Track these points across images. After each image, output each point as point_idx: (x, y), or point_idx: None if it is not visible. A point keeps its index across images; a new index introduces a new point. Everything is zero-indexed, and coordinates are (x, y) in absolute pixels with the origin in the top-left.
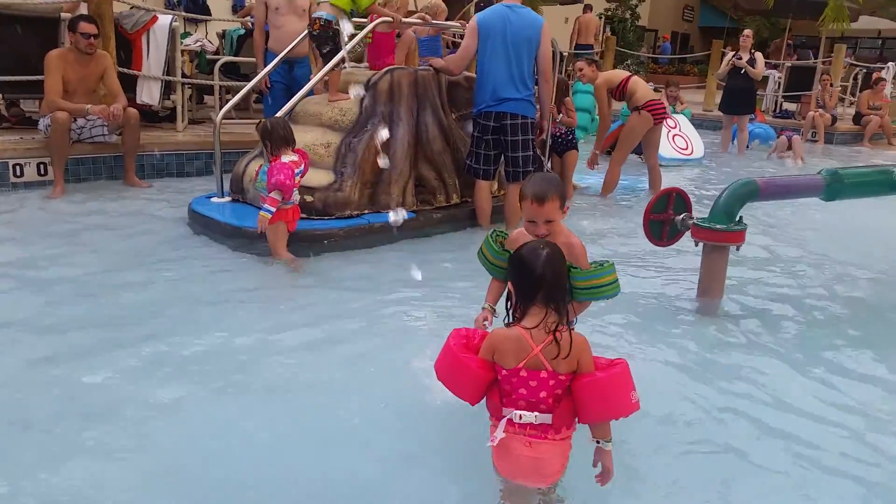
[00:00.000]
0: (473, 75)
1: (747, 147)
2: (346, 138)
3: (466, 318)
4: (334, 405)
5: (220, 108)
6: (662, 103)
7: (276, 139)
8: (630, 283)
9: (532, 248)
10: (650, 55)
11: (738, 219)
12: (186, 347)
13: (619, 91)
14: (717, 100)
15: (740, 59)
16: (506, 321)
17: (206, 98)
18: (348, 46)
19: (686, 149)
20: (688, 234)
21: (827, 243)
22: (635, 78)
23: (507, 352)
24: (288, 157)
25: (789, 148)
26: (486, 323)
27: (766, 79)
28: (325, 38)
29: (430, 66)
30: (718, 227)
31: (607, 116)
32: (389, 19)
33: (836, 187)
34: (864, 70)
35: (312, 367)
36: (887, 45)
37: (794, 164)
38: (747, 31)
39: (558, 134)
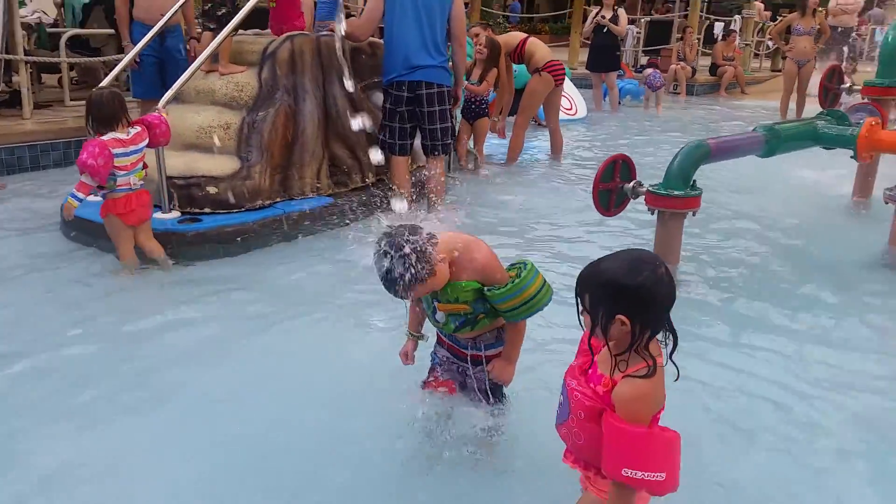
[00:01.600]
0: (378, 41)
1: (619, 103)
2: (248, 117)
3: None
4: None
5: (69, 88)
6: (562, 64)
7: (98, 118)
8: (577, 259)
9: (647, 270)
10: (502, 13)
11: (692, 183)
12: (91, 393)
13: (517, 54)
14: (581, 57)
15: (604, 17)
16: (617, 366)
17: (44, 77)
18: (248, 6)
19: (570, 109)
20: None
21: (747, 199)
22: (532, 39)
23: (664, 391)
24: (112, 135)
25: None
26: (409, 356)
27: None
28: None
29: (332, 31)
30: (676, 193)
31: (508, 81)
32: None
33: (773, 143)
34: (709, 22)
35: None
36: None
37: (652, 111)
38: None
39: (472, 100)
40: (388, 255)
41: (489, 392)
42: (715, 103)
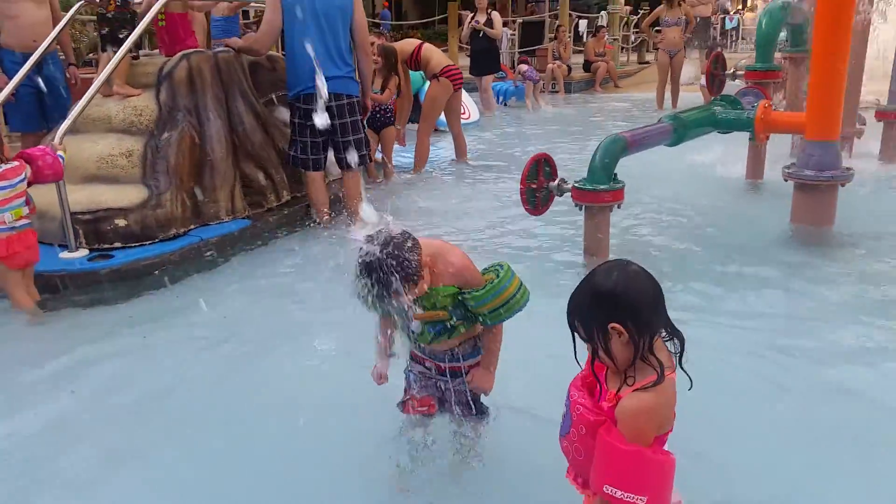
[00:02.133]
0: (277, 55)
1: (505, 104)
2: (151, 142)
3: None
4: None
5: None
6: (459, 69)
7: None
8: (515, 258)
9: (616, 271)
10: (373, 21)
11: (614, 176)
12: None
13: (414, 60)
14: (460, 62)
15: (479, 22)
16: (626, 382)
17: None
18: (139, 28)
19: (464, 113)
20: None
21: (648, 190)
22: (427, 45)
23: (673, 409)
24: None
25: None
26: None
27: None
28: (122, 20)
29: (229, 47)
30: (602, 187)
31: (406, 89)
32: None
33: (681, 132)
34: (576, 21)
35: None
36: None
37: (536, 108)
38: None
39: (376, 109)
40: (379, 259)
41: (472, 403)
42: (593, 99)
